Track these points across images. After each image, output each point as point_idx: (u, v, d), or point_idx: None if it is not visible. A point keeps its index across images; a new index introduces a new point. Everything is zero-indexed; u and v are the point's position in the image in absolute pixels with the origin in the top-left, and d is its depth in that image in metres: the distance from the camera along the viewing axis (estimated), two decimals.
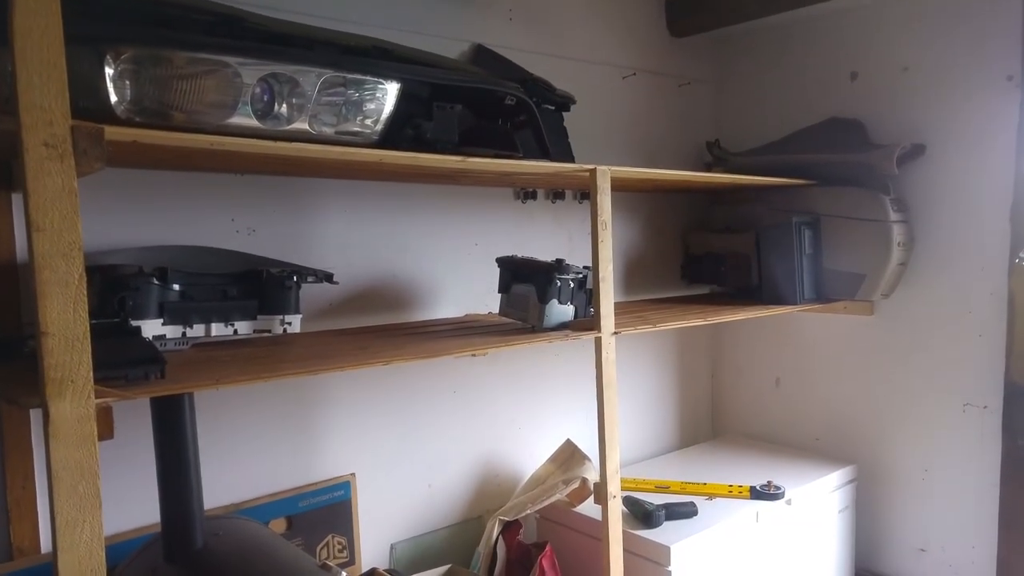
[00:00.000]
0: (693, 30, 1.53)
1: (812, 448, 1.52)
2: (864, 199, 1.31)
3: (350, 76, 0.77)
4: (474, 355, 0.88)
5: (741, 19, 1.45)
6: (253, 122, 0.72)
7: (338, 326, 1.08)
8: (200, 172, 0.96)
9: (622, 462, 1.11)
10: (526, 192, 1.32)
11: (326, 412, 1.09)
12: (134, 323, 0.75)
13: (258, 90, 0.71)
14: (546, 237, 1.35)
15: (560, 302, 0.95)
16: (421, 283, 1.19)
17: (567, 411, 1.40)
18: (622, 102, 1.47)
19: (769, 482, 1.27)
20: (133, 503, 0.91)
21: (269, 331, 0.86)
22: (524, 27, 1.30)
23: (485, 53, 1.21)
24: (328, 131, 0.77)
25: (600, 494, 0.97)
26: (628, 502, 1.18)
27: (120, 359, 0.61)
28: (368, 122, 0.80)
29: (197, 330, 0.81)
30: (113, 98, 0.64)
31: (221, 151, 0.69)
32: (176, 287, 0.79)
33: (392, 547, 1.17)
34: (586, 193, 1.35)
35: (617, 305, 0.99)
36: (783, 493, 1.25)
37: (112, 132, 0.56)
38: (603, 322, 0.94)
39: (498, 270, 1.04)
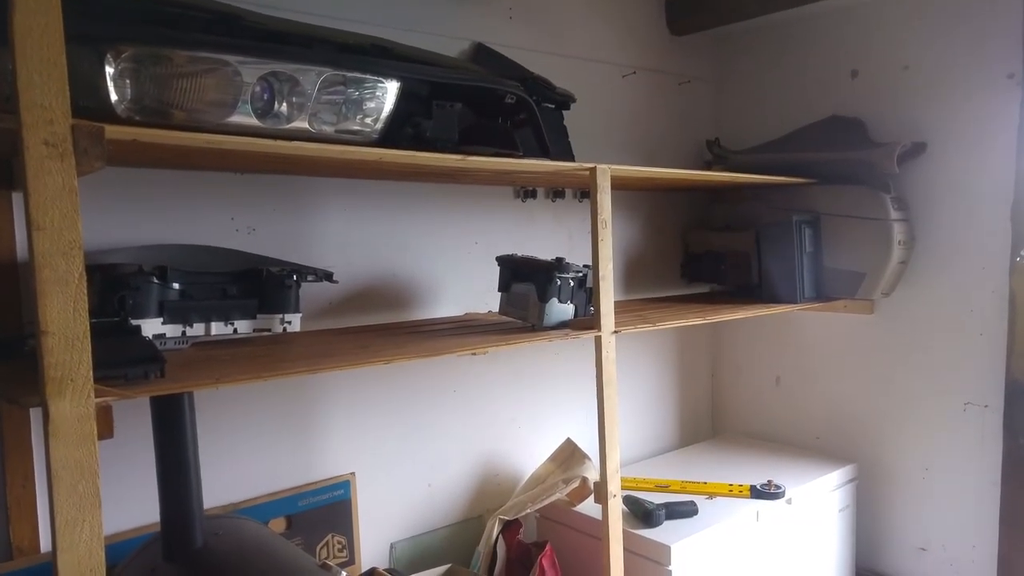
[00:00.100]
0: (693, 28, 1.53)
1: (812, 447, 1.52)
2: (865, 197, 1.31)
3: (350, 75, 0.77)
4: (474, 354, 0.88)
5: (741, 17, 1.45)
6: (253, 121, 0.72)
7: (338, 325, 1.08)
8: (200, 171, 0.96)
9: (622, 461, 1.11)
10: (526, 191, 1.32)
11: (326, 411, 1.09)
12: (134, 322, 0.75)
13: (258, 89, 0.71)
14: (546, 236, 1.35)
15: (560, 301, 0.95)
16: (421, 282, 1.19)
17: (567, 410, 1.40)
18: (622, 101, 1.47)
19: (769, 481, 1.27)
20: (133, 502, 0.91)
21: (269, 330, 0.86)
22: (524, 25, 1.30)
23: (485, 51, 1.21)
24: (328, 130, 0.77)
25: (600, 493, 0.97)
26: (628, 501, 1.18)
27: (120, 358, 0.61)
28: (368, 121, 0.80)
29: (197, 329, 0.81)
30: (113, 97, 0.64)
31: (221, 150, 0.69)
32: (176, 286, 0.79)
33: (392, 546, 1.17)
34: (586, 192, 1.35)
35: (617, 304, 0.99)
36: (783, 492, 1.24)
37: (112, 131, 0.56)
38: (603, 321, 0.94)
39: (498, 269, 1.04)
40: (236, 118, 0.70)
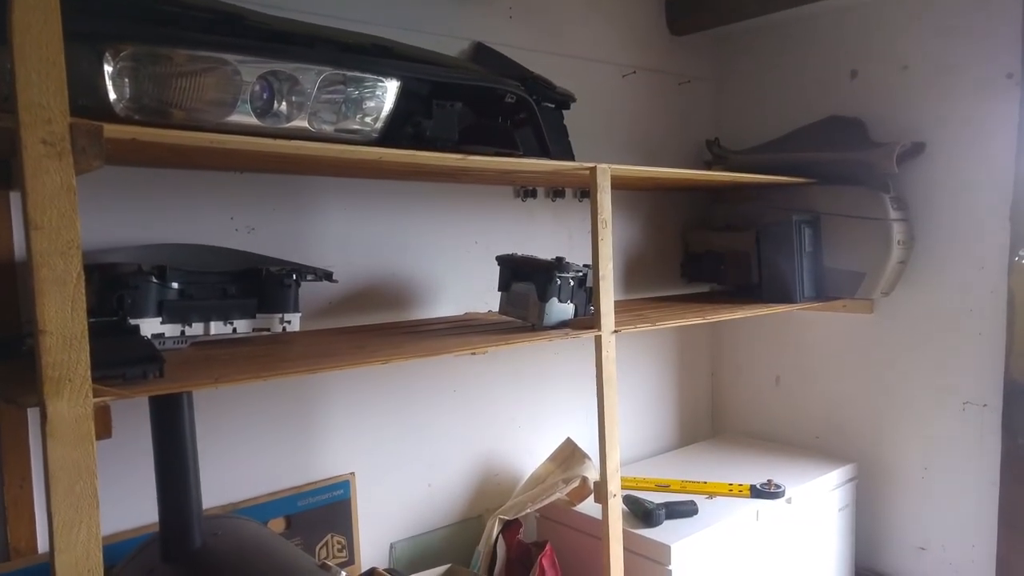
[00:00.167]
0: (693, 28, 1.53)
1: (812, 446, 1.52)
2: (864, 197, 1.31)
3: (350, 74, 0.77)
4: (474, 353, 0.88)
5: (741, 17, 1.45)
6: (253, 120, 0.71)
7: (337, 325, 1.08)
8: (199, 170, 0.95)
9: (622, 461, 1.11)
10: (526, 190, 1.31)
11: (325, 411, 1.09)
12: (132, 322, 0.74)
13: (257, 88, 0.71)
14: (546, 235, 1.35)
15: (560, 300, 0.95)
16: (421, 281, 1.18)
17: (567, 410, 1.40)
18: (622, 100, 1.47)
19: (769, 481, 1.27)
20: (131, 503, 0.91)
21: (268, 330, 0.86)
22: (524, 25, 1.30)
23: (485, 51, 1.21)
24: (328, 129, 0.77)
25: (600, 493, 0.97)
26: (628, 501, 1.18)
27: (118, 358, 0.61)
28: (368, 120, 0.80)
29: (196, 329, 0.80)
30: (112, 96, 0.63)
31: (220, 149, 0.69)
32: (175, 285, 0.79)
33: (392, 546, 1.16)
34: (586, 191, 1.35)
35: (617, 303, 0.99)
36: (783, 492, 1.24)
37: (111, 130, 0.56)
38: (603, 320, 0.94)
39: (498, 268, 1.03)
40: (236, 117, 0.70)
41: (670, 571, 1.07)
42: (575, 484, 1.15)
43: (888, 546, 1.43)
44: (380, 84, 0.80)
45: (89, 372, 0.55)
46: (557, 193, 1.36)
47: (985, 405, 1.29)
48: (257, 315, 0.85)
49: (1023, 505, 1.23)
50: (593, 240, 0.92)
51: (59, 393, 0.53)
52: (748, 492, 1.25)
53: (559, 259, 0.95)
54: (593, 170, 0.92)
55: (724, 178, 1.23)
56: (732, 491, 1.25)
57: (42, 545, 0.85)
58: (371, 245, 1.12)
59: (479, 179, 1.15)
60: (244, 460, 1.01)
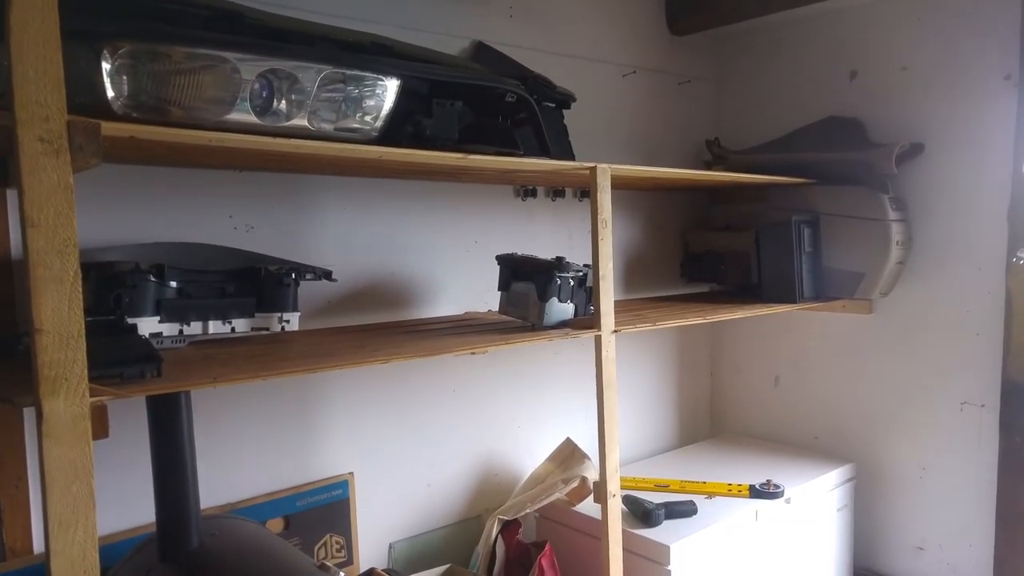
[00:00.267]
0: (693, 28, 1.53)
1: (811, 447, 1.52)
2: (863, 198, 1.31)
3: (350, 72, 0.77)
4: (473, 353, 0.88)
5: (741, 18, 1.45)
6: (252, 118, 0.71)
7: (337, 324, 1.07)
8: (198, 168, 0.95)
9: (621, 460, 1.10)
10: (526, 190, 1.31)
11: (324, 411, 1.09)
12: (130, 320, 0.74)
13: (257, 86, 0.71)
14: (546, 235, 1.35)
15: (560, 300, 0.95)
16: (420, 281, 1.18)
17: (566, 410, 1.40)
18: (622, 100, 1.46)
19: (768, 481, 1.27)
20: (128, 503, 0.90)
21: (267, 329, 0.85)
22: (524, 24, 1.30)
23: (485, 50, 1.21)
24: (327, 127, 0.77)
25: (600, 493, 0.97)
26: (628, 501, 1.17)
27: (115, 357, 0.60)
28: (368, 119, 0.80)
29: (194, 328, 0.80)
30: (110, 93, 0.63)
31: (219, 147, 0.68)
32: (173, 284, 0.78)
33: (391, 547, 1.16)
34: (586, 191, 1.34)
35: (617, 303, 0.99)
36: (782, 492, 1.25)
37: (109, 127, 0.56)
38: (603, 320, 0.94)
39: (498, 268, 1.03)
40: (235, 115, 0.70)
41: (669, 571, 1.07)
42: (574, 484, 1.15)
43: (886, 546, 1.43)
44: (380, 83, 0.79)
45: (86, 371, 0.54)
46: (557, 193, 1.36)
47: (983, 405, 1.29)
48: (256, 314, 0.84)
49: (1021, 505, 1.24)
50: (593, 240, 0.92)
51: (55, 393, 0.53)
52: (747, 492, 1.25)
53: (559, 259, 0.95)
54: (593, 170, 0.92)
55: (724, 178, 1.23)
56: (731, 491, 1.26)
57: (38, 545, 0.85)
58: (371, 244, 1.11)
59: (479, 178, 1.14)
60: (242, 460, 1.00)
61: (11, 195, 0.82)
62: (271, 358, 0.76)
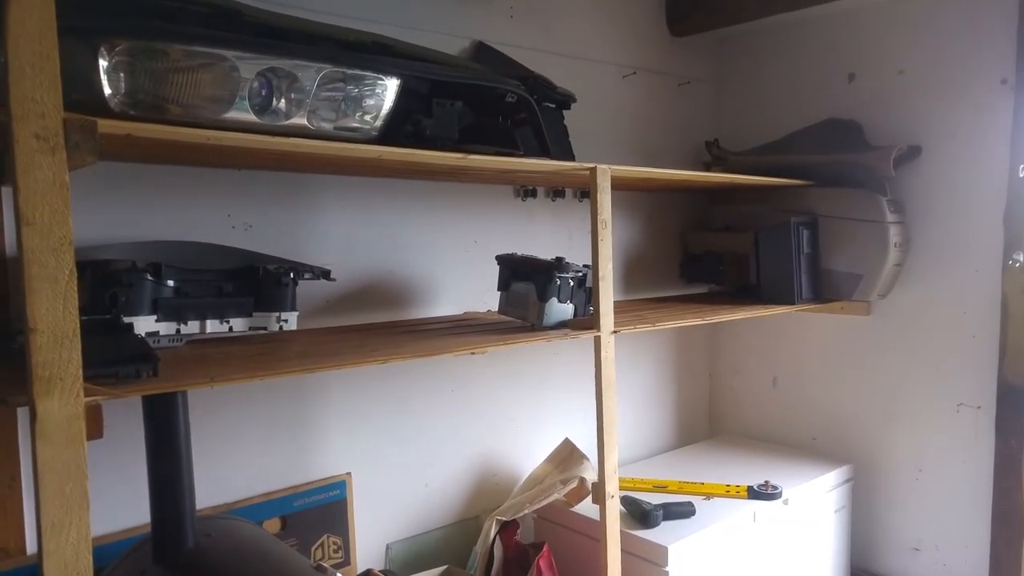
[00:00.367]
0: (693, 30, 1.53)
1: (809, 448, 1.53)
2: (861, 200, 1.32)
3: (349, 71, 0.76)
4: (473, 353, 0.88)
5: (741, 20, 1.45)
6: (251, 117, 0.71)
7: (335, 324, 1.07)
8: (196, 167, 0.94)
9: (620, 461, 1.10)
10: (526, 190, 1.31)
11: (322, 410, 1.08)
12: (126, 320, 0.73)
13: (256, 84, 0.70)
14: (546, 235, 1.35)
15: (560, 300, 0.95)
16: (420, 280, 1.18)
17: (565, 410, 1.40)
18: (622, 101, 1.46)
19: (766, 482, 1.27)
20: (123, 504, 0.89)
21: (265, 328, 0.85)
22: (525, 24, 1.29)
23: (486, 50, 1.21)
24: (327, 127, 0.76)
25: (598, 494, 0.97)
26: (626, 502, 1.17)
27: (111, 356, 0.60)
28: (367, 118, 0.79)
29: (192, 327, 0.79)
30: (107, 91, 0.62)
31: (217, 146, 0.68)
32: (170, 283, 0.78)
33: (388, 547, 1.16)
34: (586, 191, 1.34)
35: (616, 304, 0.99)
36: (780, 493, 1.25)
37: (105, 125, 0.55)
38: (602, 321, 0.93)
39: (497, 268, 1.03)
40: (233, 114, 0.69)
41: (667, 572, 1.07)
42: (573, 485, 1.14)
43: (883, 547, 1.44)
44: (380, 82, 0.79)
45: (80, 371, 0.54)
46: (557, 193, 1.36)
47: (979, 407, 1.30)
48: (254, 313, 0.84)
49: (1016, 506, 1.24)
50: (593, 240, 0.92)
51: (49, 392, 0.52)
52: (745, 493, 1.25)
53: (559, 259, 0.95)
54: (593, 170, 0.92)
55: (723, 179, 1.23)
56: (729, 492, 1.26)
57: (31, 546, 0.84)
58: (370, 243, 1.11)
59: (479, 178, 1.14)
60: (239, 460, 1.00)
61: (6, 192, 0.81)
62: (269, 358, 0.75)
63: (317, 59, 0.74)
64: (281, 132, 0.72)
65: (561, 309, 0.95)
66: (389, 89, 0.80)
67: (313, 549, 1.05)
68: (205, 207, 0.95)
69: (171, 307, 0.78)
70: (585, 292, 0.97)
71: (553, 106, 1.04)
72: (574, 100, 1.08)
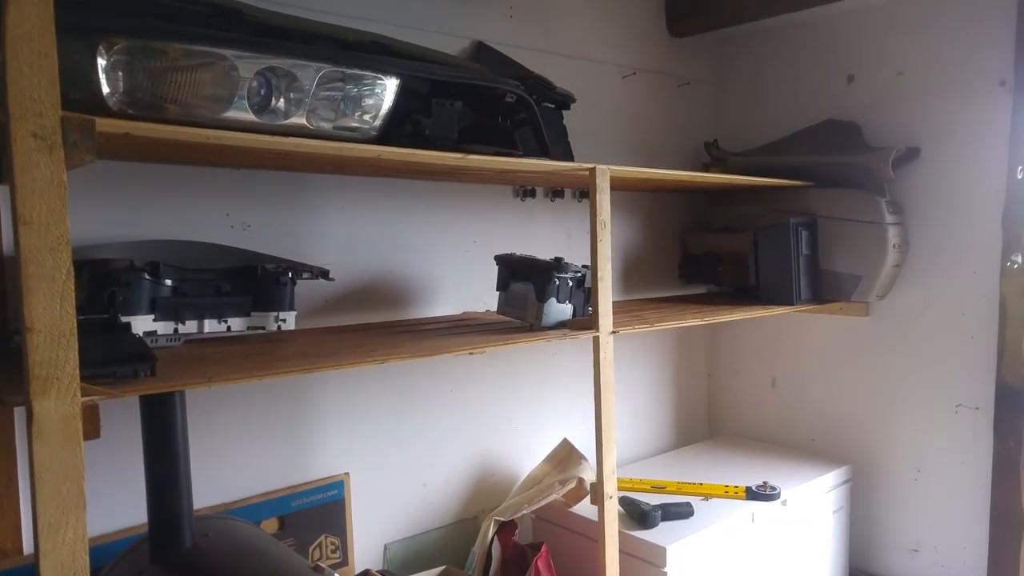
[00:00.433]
0: (693, 30, 1.53)
1: (807, 448, 1.53)
2: (860, 201, 1.32)
3: (349, 71, 0.76)
4: (471, 353, 0.87)
5: (740, 20, 1.46)
6: (250, 116, 0.70)
7: (334, 323, 1.07)
8: (195, 166, 0.94)
9: (618, 461, 1.10)
10: (525, 190, 1.31)
11: (320, 410, 1.08)
12: (124, 319, 0.73)
13: (255, 84, 0.70)
14: (545, 235, 1.35)
15: (558, 301, 0.94)
16: (418, 280, 1.18)
17: (564, 410, 1.40)
18: (622, 101, 1.47)
19: (765, 483, 1.27)
20: (120, 504, 0.89)
21: (263, 328, 0.85)
22: (525, 25, 1.29)
23: (485, 50, 1.21)
24: (326, 126, 0.76)
25: (596, 494, 0.97)
26: (624, 502, 1.17)
27: (108, 356, 0.60)
28: (367, 118, 0.79)
29: (189, 326, 0.79)
30: (105, 89, 0.62)
31: (216, 145, 0.68)
32: (168, 282, 0.78)
33: (386, 547, 1.16)
34: (585, 192, 1.34)
35: (615, 304, 0.99)
36: (779, 494, 1.25)
37: (104, 124, 0.55)
38: (601, 321, 0.93)
39: (496, 268, 1.03)
40: (232, 113, 0.69)
41: (665, 573, 1.07)
42: (571, 485, 1.14)
43: (881, 548, 1.44)
44: (379, 82, 0.79)
45: (77, 371, 0.53)
46: (556, 193, 1.36)
47: (977, 408, 1.30)
48: (252, 313, 0.84)
49: (1014, 507, 1.24)
50: (592, 241, 0.92)
51: (46, 392, 0.52)
52: (744, 494, 1.25)
53: (558, 259, 0.95)
54: (592, 171, 0.92)
55: (722, 180, 1.23)
56: (728, 493, 1.26)
57: (27, 546, 0.84)
58: (368, 243, 1.11)
59: (478, 178, 1.14)
60: (237, 460, 1.00)
61: (3, 191, 0.81)
62: (267, 357, 0.75)
63: (316, 58, 0.73)
64: (280, 131, 0.72)
65: (560, 309, 0.95)
66: (388, 89, 0.80)
67: (311, 549, 1.05)
68: (204, 206, 0.95)
69: (169, 306, 0.77)
70: (584, 292, 0.97)
71: (552, 106, 1.04)
72: (573, 100, 1.08)
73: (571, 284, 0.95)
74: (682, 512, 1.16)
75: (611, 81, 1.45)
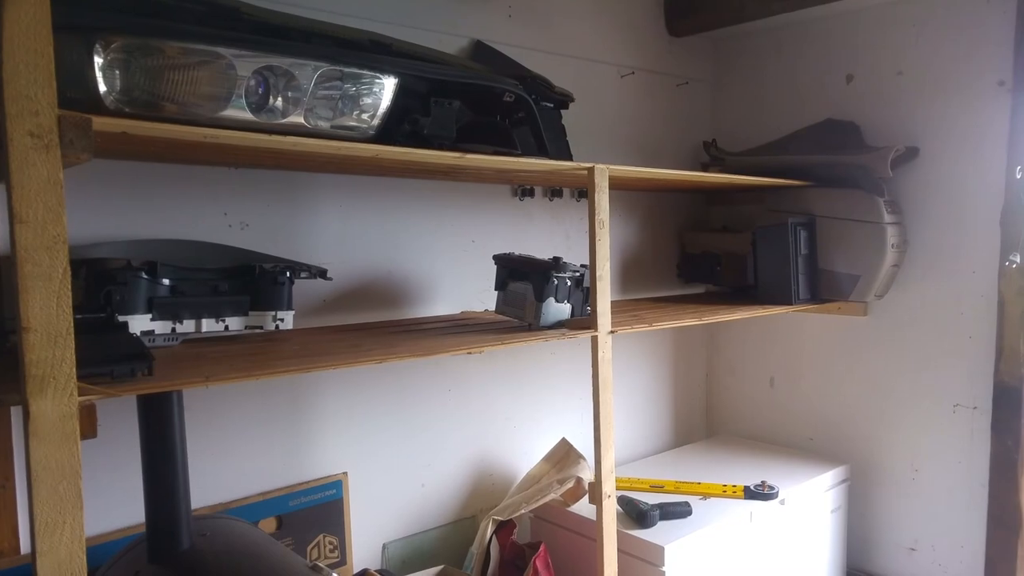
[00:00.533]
0: (692, 30, 1.53)
1: (805, 448, 1.53)
2: (859, 201, 1.32)
3: (347, 70, 0.76)
4: (470, 353, 0.87)
5: (740, 20, 1.46)
6: (247, 115, 0.70)
7: (332, 323, 1.07)
8: (192, 165, 0.94)
9: (616, 461, 1.10)
10: (524, 190, 1.31)
11: (318, 410, 1.08)
12: (121, 318, 0.73)
13: (253, 82, 0.70)
14: (544, 235, 1.35)
15: (557, 300, 0.94)
16: (417, 280, 1.18)
17: (562, 410, 1.40)
18: (620, 101, 1.47)
19: (763, 482, 1.27)
20: (117, 503, 0.89)
21: (261, 327, 0.85)
22: (523, 24, 1.29)
23: (484, 49, 1.20)
24: (324, 125, 0.76)
25: (595, 494, 0.97)
26: (622, 502, 1.18)
27: (105, 355, 0.60)
28: (365, 117, 0.79)
29: (187, 326, 0.79)
30: (102, 88, 0.62)
31: (214, 144, 0.67)
32: (166, 282, 0.77)
33: (384, 547, 1.16)
34: (584, 191, 1.34)
35: (613, 304, 0.99)
36: (777, 493, 1.25)
37: (100, 123, 0.55)
38: (600, 321, 0.93)
39: (495, 267, 1.03)
40: (230, 112, 0.69)
41: (664, 572, 1.07)
42: (570, 485, 1.14)
43: (879, 547, 1.44)
44: (378, 81, 0.79)
45: (74, 370, 0.53)
46: (555, 193, 1.36)
47: (975, 407, 1.31)
48: (250, 312, 0.84)
49: (1012, 506, 1.25)
50: (590, 240, 0.92)
51: (43, 392, 0.52)
52: (742, 493, 1.25)
53: (556, 259, 0.95)
54: (591, 170, 0.92)
55: (721, 180, 1.23)
56: (726, 492, 1.26)
57: (25, 546, 0.84)
58: (367, 242, 1.11)
59: (476, 178, 1.14)
60: (235, 459, 1.00)
61: None
62: (265, 357, 0.75)
63: (314, 57, 0.73)
64: (278, 130, 0.71)
65: (558, 309, 0.95)
66: (387, 88, 0.80)
67: (309, 549, 1.05)
68: (201, 205, 0.95)
69: (166, 306, 0.77)
70: (582, 292, 0.97)
71: (551, 106, 1.04)
72: (572, 100, 1.08)
73: (569, 284, 0.95)
74: (680, 511, 1.16)
75: (610, 80, 1.44)
